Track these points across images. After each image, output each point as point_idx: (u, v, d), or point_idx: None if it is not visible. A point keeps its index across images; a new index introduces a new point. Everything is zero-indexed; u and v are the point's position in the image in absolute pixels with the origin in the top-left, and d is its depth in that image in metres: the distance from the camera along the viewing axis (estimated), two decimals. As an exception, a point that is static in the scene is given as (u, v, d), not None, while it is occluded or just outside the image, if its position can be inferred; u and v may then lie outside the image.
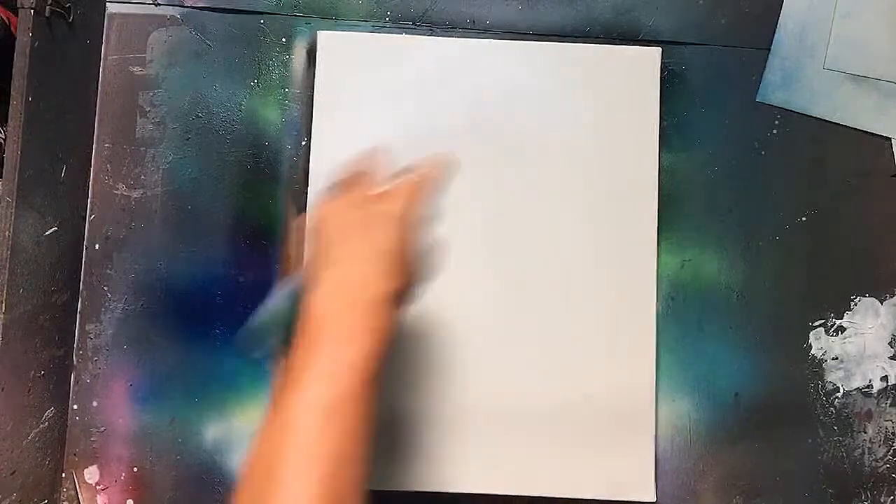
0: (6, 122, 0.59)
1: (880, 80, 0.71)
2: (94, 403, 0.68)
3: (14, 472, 0.61)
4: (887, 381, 0.70)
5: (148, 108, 0.70)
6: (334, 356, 0.43)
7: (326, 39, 0.69)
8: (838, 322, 0.70)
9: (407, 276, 0.48)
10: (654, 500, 0.66)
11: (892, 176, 0.71)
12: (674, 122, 0.71)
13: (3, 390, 0.59)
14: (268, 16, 0.71)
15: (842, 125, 0.71)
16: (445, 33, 0.71)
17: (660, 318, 0.68)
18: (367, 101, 0.68)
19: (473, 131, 0.68)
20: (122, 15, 0.70)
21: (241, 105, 0.70)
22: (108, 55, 0.70)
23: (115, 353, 0.68)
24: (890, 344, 0.70)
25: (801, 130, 0.71)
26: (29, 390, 0.62)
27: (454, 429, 0.66)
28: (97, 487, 0.68)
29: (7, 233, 0.58)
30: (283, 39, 0.71)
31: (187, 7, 0.70)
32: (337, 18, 0.71)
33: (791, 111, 0.71)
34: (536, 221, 0.68)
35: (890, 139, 0.71)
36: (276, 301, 0.50)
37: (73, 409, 0.68)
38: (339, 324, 0.44)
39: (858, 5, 0.71)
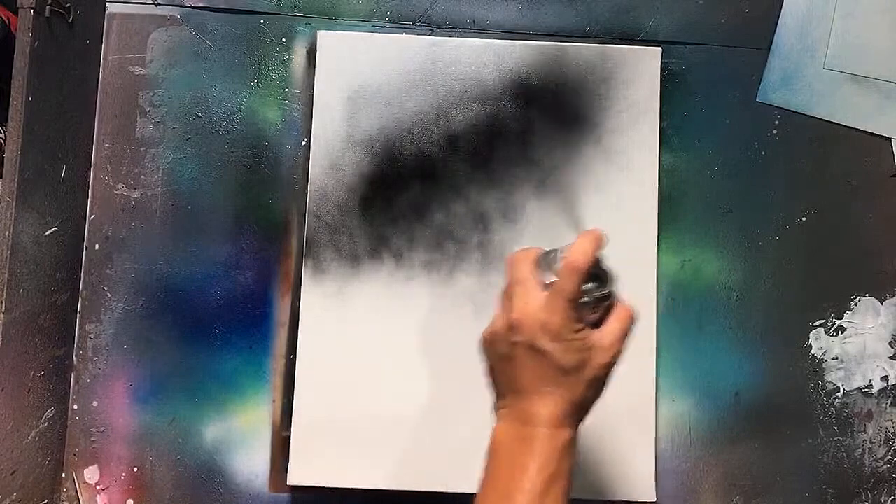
0: (6, 122, 0.59)
1: (880, 80, 0.71)
2: (94, 403, 0.68)
3: (14, 472, 0.61)
4: (887, 381, 0.70)
5: (148, 108, 0.70)
6: (508, 492, 0.48)
7: (326, 39, 0.69)
8: (838, 322, 0.70)
9: (585, 395, 0.49)
10: (654, 500, 0.66)
11: (892, 176, 0.71)
12: (674, 122, 0.71)
13: (3, 390, 0.59)
14: (268, 16, 0.71)
15: (842, 125, 0.71)
16: (445, 33, 0.71)
17: (660, 318, 0.68)
18: (367, 101, 0.68)
19: (473, 131, 0.68)
20: (122, 15, 0.70)
21: (241, 105, 0.70)
22: (108, 55, 0.70)
23: (115, 353, 0.68)
24: (890, 344, 0.70)
25: (801, 130, 0.71)
26: (29, 390, 0.62)
27: (454, 429, 0.66)
28: (97, 487, 0.68)
29: (7, 233, 0.58)
30: (283, 39, 0.71)
31: (187, 7, 0.70)
32: (337, 18, 0.71)
33: (791, 111, 0.71)
34: (536, 220, 0.68)
35: (890, 139, 0.71)
36: None
37: (73, 409, 0.68)
38: (512, 456, 0.48)
39: (858, 5, 0.71)
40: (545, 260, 0.51)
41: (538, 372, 0.48)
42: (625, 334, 0.50)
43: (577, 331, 0.48)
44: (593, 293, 0.49)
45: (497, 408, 0.51)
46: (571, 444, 0.49)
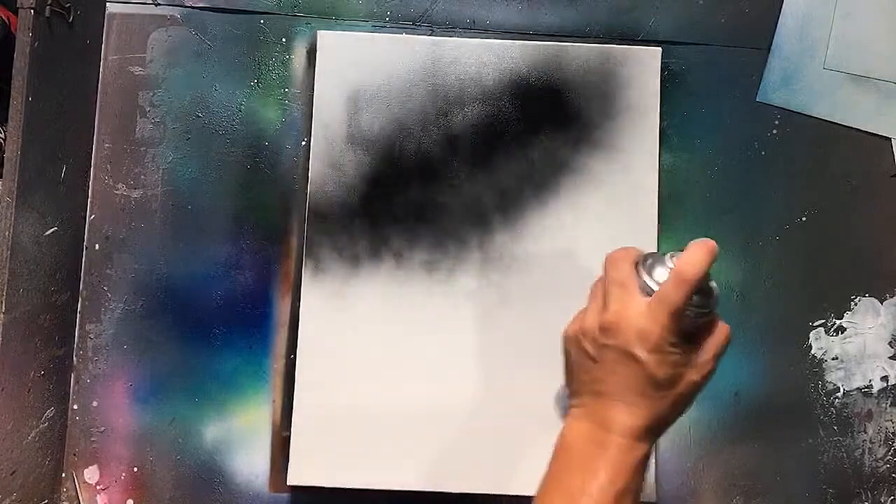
0: (6, 122, 0.59)
1: (880, 80, 0.71)
2: (94, 403, 0.68)
3: (14, 472, 0.61)
4: (887, 381, 0.70)
5: (148, 108, 0.70)
6: (572, 494, 0.46)
7: (326, 39, 0.69)
8: (838, 322, 0.70)
9: (670, 412, 0.48)
10: (654, 500, 0.66)
11: (892, 176, 0.71)
12: (674, 122, 0.71)
13: (3, 390, 0.59)
14: (268, 16, 0.71)
15: (842, 125, 0.71)
16: (445, 33, 0.71)
17: (660, 318, 0.68)
18: (367, 101, 0.68)
19: (473, 131, 0.68)
20: (122, 15, 0.70)
21: (241, 105, 0.70)
22: (108, 55, 0.70)
23: (115, 353, 0.68)
24: (890, 344, 0.70)
25: (801, 130, 0.71)
26: (29, 390, 0.62)
27: (455, 428, 0.66)
28: (97, 487, 0.68)
29: (7, 233, 0.58)
30: (283, 39, 0.71)
31: (187, 7, 0.70)
32: (337, 18, 0.71)
33: (791, 111, 0.71)
34: (536, 220, 0.68)
35: (890, 139, 0.71)
36: None
37: (73, 409, 0.68)
38: (584, 459, 0.46)
39: (858, 5, 0.71)
40: (647, 263, 0.49)
41: (627, 379, 0.46)
42: (719, 354, 0.48)
43: (675, 344, 0.46)
44: (698, 308, 0.47)
45: (571, 405, 0.49)
46: (645, 460, 0.47)
